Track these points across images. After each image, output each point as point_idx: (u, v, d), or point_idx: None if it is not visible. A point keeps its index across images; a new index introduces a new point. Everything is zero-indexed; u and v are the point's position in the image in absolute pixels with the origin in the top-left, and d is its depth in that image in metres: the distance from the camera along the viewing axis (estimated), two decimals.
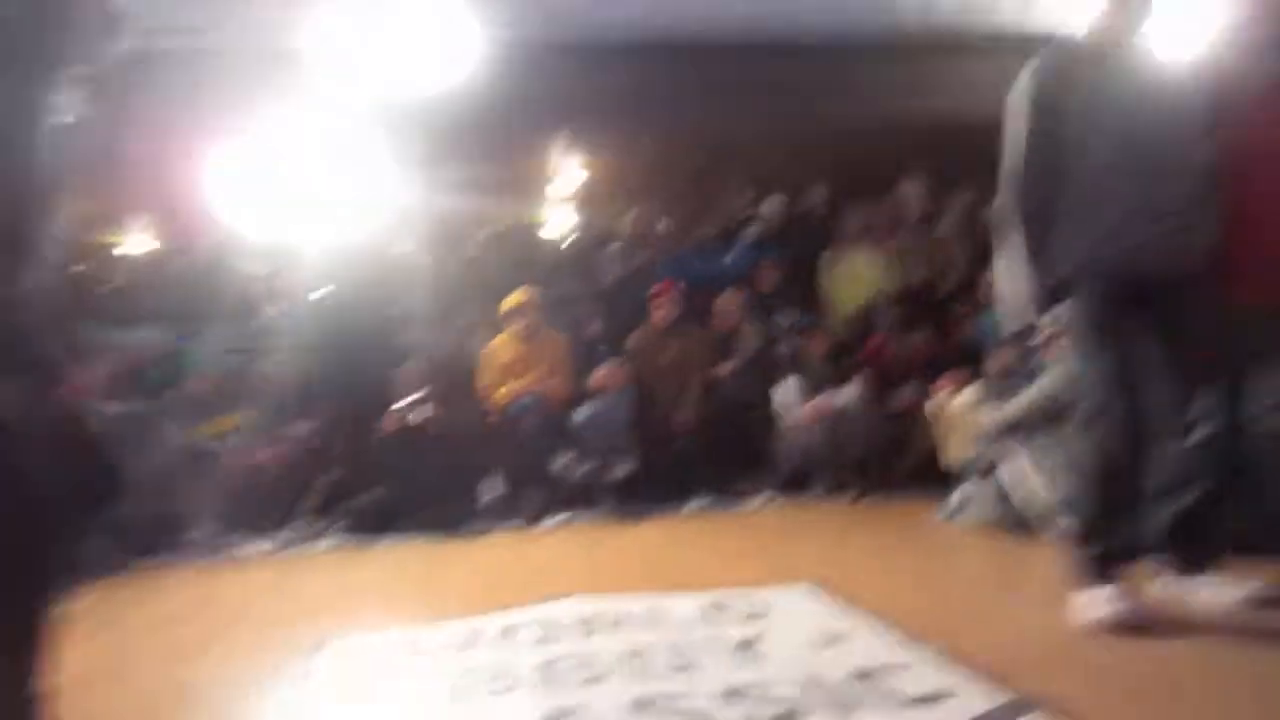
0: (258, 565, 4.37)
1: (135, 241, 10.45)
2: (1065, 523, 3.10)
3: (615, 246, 6.63)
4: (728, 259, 6.54)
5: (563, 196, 10.33)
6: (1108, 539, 2.46)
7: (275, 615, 3.18)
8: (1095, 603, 2.39)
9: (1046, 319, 3.59)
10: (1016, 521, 3.74)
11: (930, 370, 5.08)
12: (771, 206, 6.65)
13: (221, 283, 6.35)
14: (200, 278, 6.48)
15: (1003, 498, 3.84)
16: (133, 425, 4.95)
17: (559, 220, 9.28)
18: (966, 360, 5.08)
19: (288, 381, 5.61)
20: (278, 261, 6.53)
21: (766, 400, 5.52)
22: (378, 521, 4.78)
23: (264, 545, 4.67)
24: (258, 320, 6.30)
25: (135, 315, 6.06)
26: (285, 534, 4.88)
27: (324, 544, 4.68)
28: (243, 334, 6.10)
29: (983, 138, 3.38)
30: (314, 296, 6.04)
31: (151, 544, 4.56)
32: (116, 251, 10.03)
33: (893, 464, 5.30)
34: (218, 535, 4.65)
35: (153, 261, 7.71)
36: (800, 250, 6.35)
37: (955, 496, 4.28)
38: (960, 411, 4.31)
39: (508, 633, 2.58)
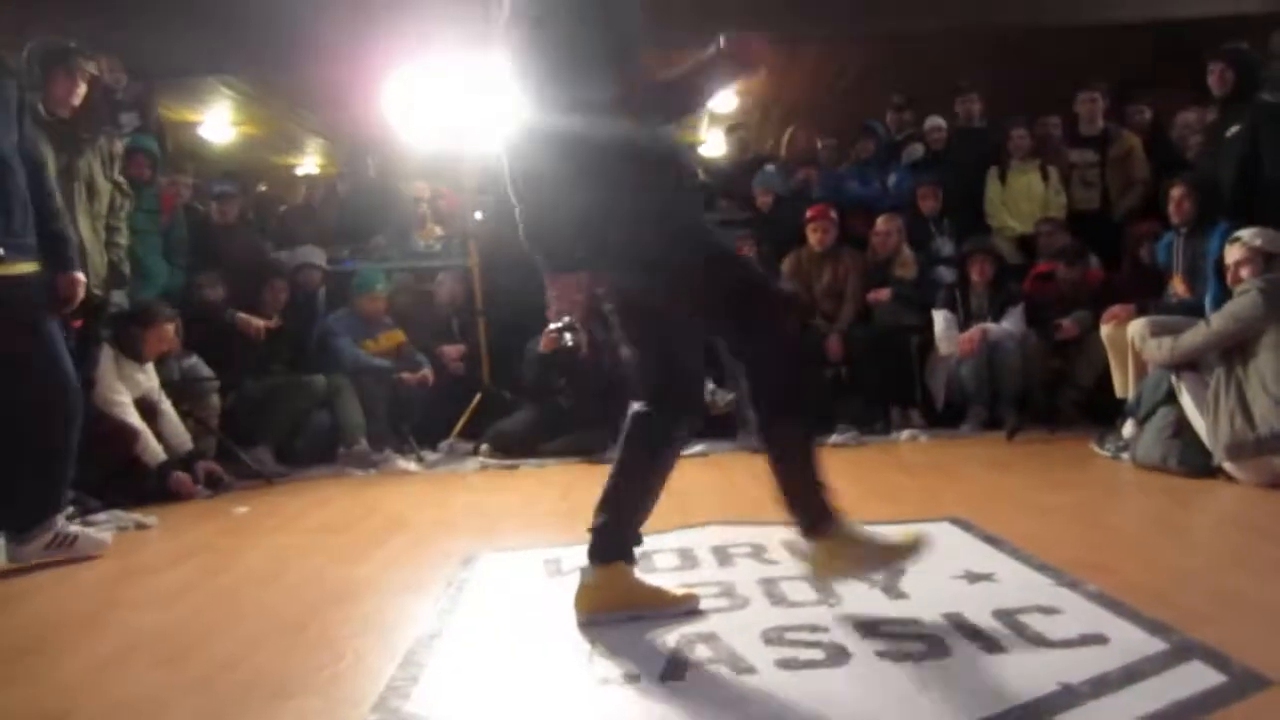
0: (412, 480, 4.64)
1: (311, 164, 11.06)
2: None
3: (772, 167, 6.46)
4: (888, 181, 6.27)
5: (718, 115, 10.13)
6: None
7: (429, 529, 3.38)
8: None
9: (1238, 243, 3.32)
10: (1186, 460, 3.49)
11: (1102, 298, 4.75)
12: (929, 125, 6.28)
13: (390, 204, 6.61)
14: (370, 199, 6.77)
15: (1173, 434, 3.59)
16: (308, 341, 5.32)
17: (715, 140, 9.10)
18: (1143, 287, 4.72)
19: (449, 301, 5.84)
20: (443, 183, 6.75)
21: (923, 329, 5.33)
22: (522, 444, 4.95)
23: (420, 460, 4.94)
24: (421, 240, 6.56)
25: (310, 234, 6.42)
26: (439, 451, 5.14)
27: (474, 463, 4.90)
28: (409, 254, 6.37)
29: (1169, 44, 3.07)
30: (475, 217, 6.22)
31: (319, 452, 4.93)
32: (295, 173, 10.66)
33: (1054, 398, 5.04)
34: (379, 448, 4.95)
35: (327, 183, 8.13)
36: (963, 170, 6.00)
37: (1122, 432, 4.04)
38: (1132, 342, 4.02)
39: (644, 559, 2.62)
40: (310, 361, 5.15)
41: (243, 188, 6.85)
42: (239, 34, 6.42)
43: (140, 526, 3.62)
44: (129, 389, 4.14)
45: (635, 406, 2.18)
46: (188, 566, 2.99)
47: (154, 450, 4.14)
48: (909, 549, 2.05)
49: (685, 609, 2.13)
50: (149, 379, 4.31)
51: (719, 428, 5.08)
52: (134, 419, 4.10)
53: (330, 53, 6.41)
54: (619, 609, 2.09)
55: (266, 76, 7.95)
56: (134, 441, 4.05)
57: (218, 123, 9.23)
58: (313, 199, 7.59)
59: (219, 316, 5.05)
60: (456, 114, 5.81)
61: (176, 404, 4.44)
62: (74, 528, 3.11)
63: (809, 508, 2.03)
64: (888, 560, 2.07)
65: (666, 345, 2.16)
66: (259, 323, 5.10)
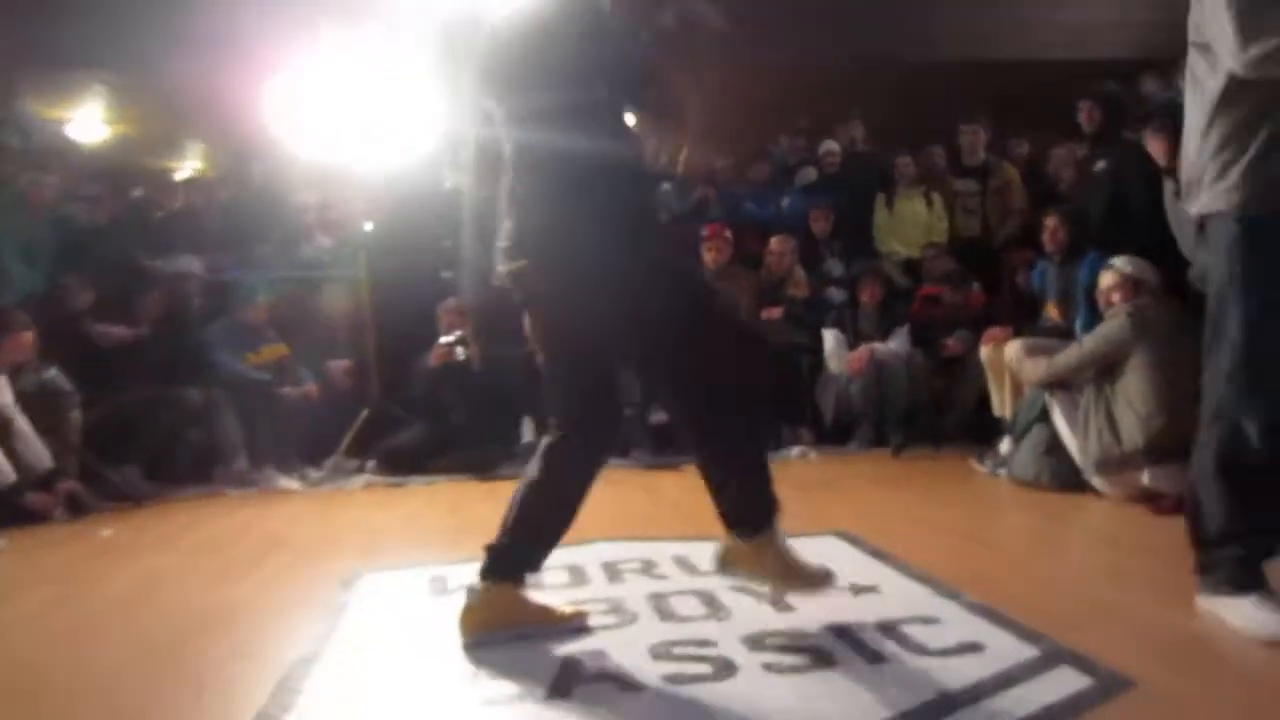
0: (295, 498, 4.46)
1: (191, 168, 10.58)
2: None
3: (668, 185, 6.51)
4: (782, 202, 6.40)
5: None
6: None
7: (311, 547, 3.25)
8: (1247, 617, 1.93)
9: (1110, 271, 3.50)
10: (1058, 476, 3.65)
11: (982, 321, 4.95)
12: (827, 148, 6.46)
13: (274, 212, 6.38)
14: (253, 206, 6.52)
15: (1046, 451, 3.75)
16: (183, 352, 5.05)
17: None
18: (1020, 311, 4.94)
19: (335, 313, 5.66)
20: (330, 192, 6.55)
21: (813, 348, 5.45)
22: (411, 461, 4.82)
23: (302, 479, 4.75)
24: (309, 250, 6.35)
25: (188, 241, 6.13)
26: (323, 468, 4.96)
27: (360, 480, 4.75)
28: (293, 263, 6.15)
29: (1046, 84, 3.24)
30: (365, 228, 6.06)
31: (193, 471, 4.68)
32: (174, 177, 10.17)
33: (938, 417, 5.21)
34: (259, 466, 4.74)
35: (207, 188, 7.77)
36: (854, 195, 6.19)
37: (1000, 450, 4.21)
38: (1010, 363, 4.20)
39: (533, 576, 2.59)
40: (184, 375, 4.88)
41: (115, 190, 6.49)
42: (112, 25, 6.09)
43: None
44: None
45: (553, 432, 2.13)
46: (41, 594, 2.78)
47: (4, 471, 3.85)
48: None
49: (573, 626, 2.10)
50: (1, 393, 4.02)
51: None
52: None
53: (213, 50, 6.17)
54: (504, 628, 2.04)
55: (142, 72, 7.55)
56: None
57: (88, 121, 8.75)
58: (193, 204, 7.25)
59: (84, 325, 4.74)
60: (347, 120, 5.67)
61: (34, 419, 4.13)
62: None
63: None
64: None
65: (605, 378, 2.13)
66: (118, 331, 4.80)
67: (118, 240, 5.71)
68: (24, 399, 4.14)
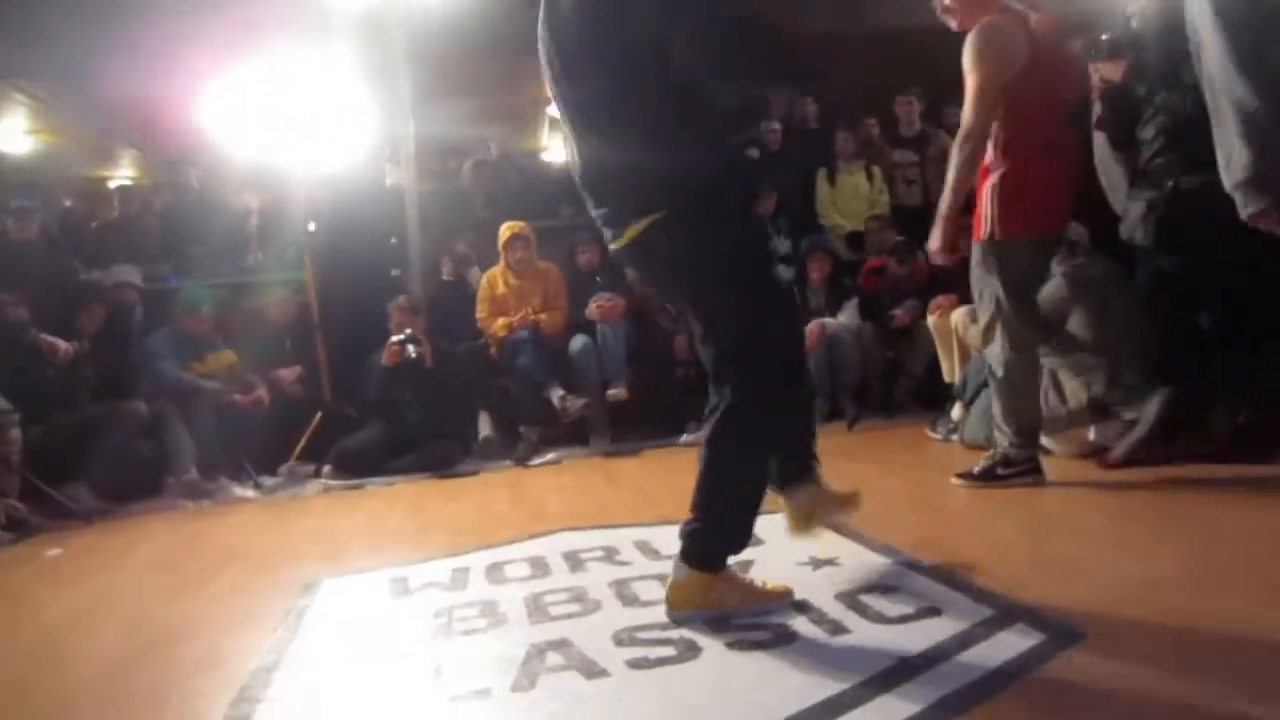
0: (250, 507, 4.39)
1: (124, 176, 10.32)
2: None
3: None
4: None
5: (557, 120, 10.07)
6: None
7: (267, 557, 3.20)
8: None
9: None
10: None
11: (929, 290, 5.01)
12: (768, 126, 6.48)
13: (213, 217, 6.26)
14: (191, 212, 6.38)
15: None
16: (127, 365, 4.93)
17: (556, 146, 9.06)
18: (964, 278, 5.01)
19: (282, 317, 5.56)
20: (271, 195, 6.44)
21: None
22: (368, 463, 4.77)
23: (257, 487, 4.68)
24: (251, 255, 6.23)
25: (125, 251, 5.99)
26: (278, 475, 4.89)
27: (316, 485, 4.68)
28: (235, 268, 6.04)
29: None
30: (308, 229, 5.96)
31: (143, 485, 4.57)
32: (108, 186, 9.93)
33: (890, 387, 5.28)
34: (211, 476, 4.65)
35: (142, 196, 7.59)
36: (796, 172, 6.23)
37: (951, 415, 4.27)
38: (956, 330, 4.27)
39: (495, 569, 2.59)
40: (129, 387, 4.75)
41: (44, 202, 6.30)
42: (32, 35, 5.91)
43: None
44: None
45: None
46: None
47: None
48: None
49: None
50: None
51: (571, 435, 5.06)
52: None
53: (141, 56, 6.01)
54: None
55: (67, 81, 7.35)
56: None
57: (11, 131, 8.50)
58: (128, 213, 7.08)
59: (20, 339, 4.59)
60: (284, 121, 5.57)
61: None
62: None
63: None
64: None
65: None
66: (63, 344, 4.66)
67: (50, 253, 5.56)
68: None
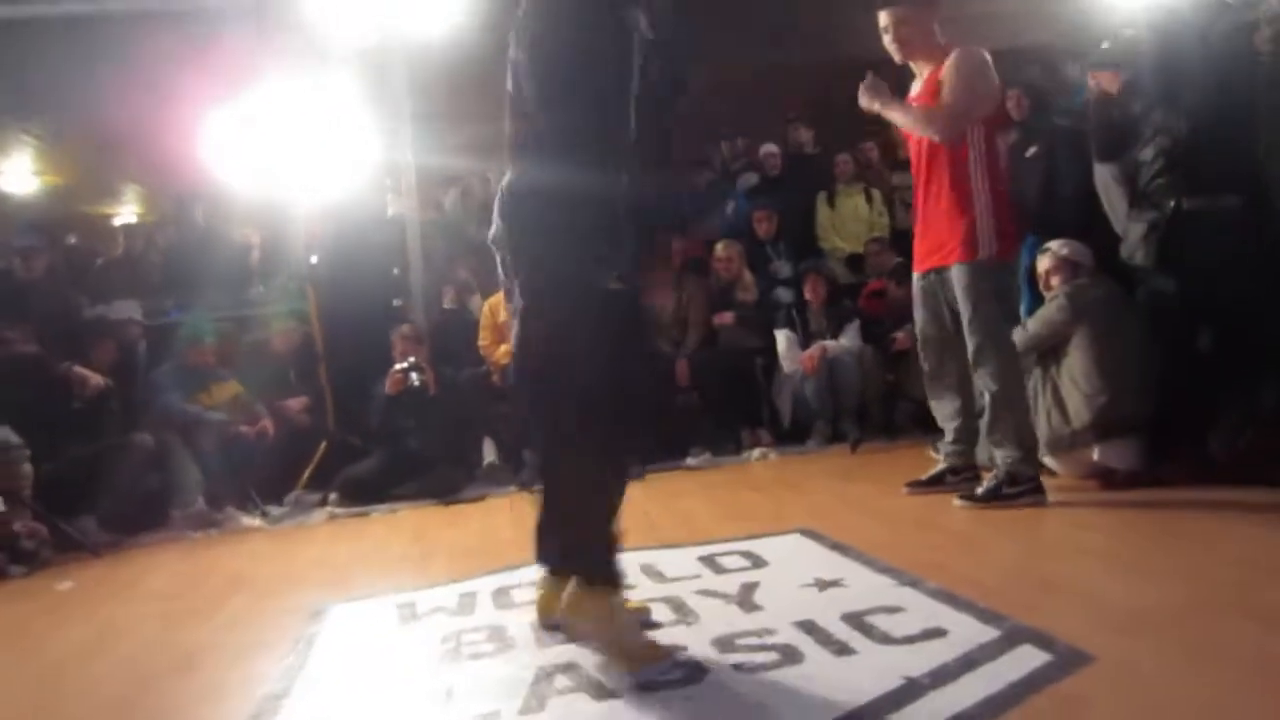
0: (257, 536, 4.40)
1: (129, 213, 10.41)
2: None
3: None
4: (726, 208, 6.47)
5: None
6: None
7: (274, 585, 3.21)
8: None
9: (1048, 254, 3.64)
10: None
11: None
12: (765, 152, 6.55)
13: (216, 252, 6.31)
14: (194, 248, 6.43)
15: None
16: (133, 399, 4.96)
17: None
18: None
19: (285, 348, 5.60)
20: (272, 228, 6.50)
21: (767, 350, 5.51)
22: (373, 490, 4.79)
23: (264, 516, 4.69)
24: (254, 288, 6.28)
25: (129, 287, 6.04)
26: (285, 504, 4.90)
27: (322, 513, 4.70)
28: (239, 301, 6.08)
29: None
30: (310, 261, 6.01)
31: (150, 517, 4.59)
32: (113, 223, 10.00)
33: (891, 410, 5.30)
34: (218, 507, 4.67)
35: (146, 232, 7.67)
36: (796, 195, 6.29)
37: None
38: None
39: (501, 594, 2.60)
40: (135, 420, 4.78)
41: (50, 240, 6.36)
42: (36, 77, 5.99)
43: None
44: None
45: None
46: (1, 651, 2.72)
47: None
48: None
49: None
50: None
51: None
52: None
53: (142, 92, 6.08)
54: None
55: (71, 121, 7.44)
56: None
57: (17, 172, 8.58)
58: (132, 249, 7.15)
59: (52, 372, 4.64)
60: (285, 154, 5.64)
61: None
62: None
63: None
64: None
65: None
66: (97, 378, 4.72)
67: (56, 291, 5.61)
68: None
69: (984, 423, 3.26)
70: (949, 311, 3.31)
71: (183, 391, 4.89)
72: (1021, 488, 3.13)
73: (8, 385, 4.47)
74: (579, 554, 2.00)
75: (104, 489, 4.44)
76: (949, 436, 3.48)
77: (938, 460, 4.31)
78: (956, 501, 3.20)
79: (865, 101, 3.31)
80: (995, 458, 3.23)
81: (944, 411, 3.49)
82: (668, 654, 1.92)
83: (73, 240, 7.46)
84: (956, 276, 3.20)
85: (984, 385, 3.20)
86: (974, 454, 3.48)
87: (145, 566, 3.88)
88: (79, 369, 4.69)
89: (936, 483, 3.47)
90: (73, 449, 4.49)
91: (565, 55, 1.95)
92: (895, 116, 3.32)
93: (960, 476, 3.42)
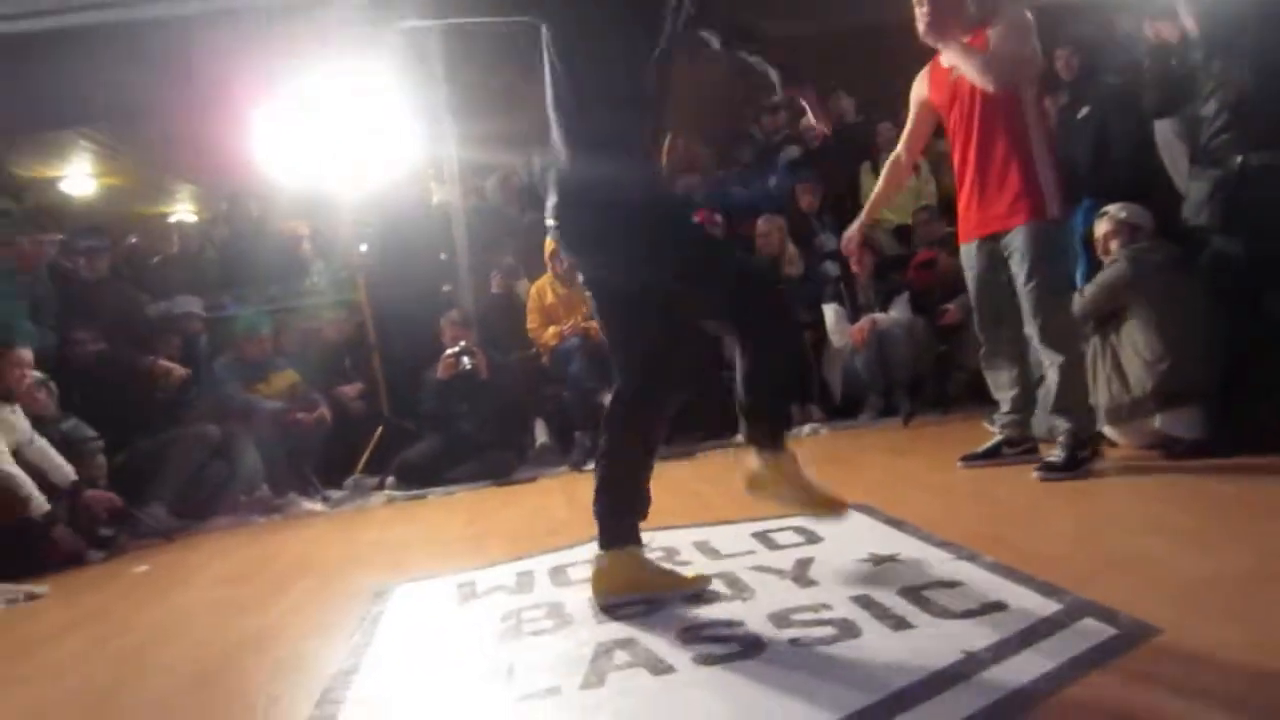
0: (319, 520, 4.51)
1: (184, 211, 10.66)
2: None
3: None
4: (769, 182, 6.43)
5: None
6: None
7: (338, 567, 3.29)
8: None
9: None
10: None
11: None
12: (806, 124, 6.46)
13: (269, 246, 6.44)
14: (248, 242, 6.57)
15: None
16: (197, 390, 5.12)
17: None
18: None
19: (339, 337, 5.72)
20: (321, 219, 6.61)
21: (815, 324, 5.47)
22: (428, 474, 4.88)
23: (324, 501, 4.81)
24: (306, 279, 6.40)
25: (186, 283, 6.20)
26: (344, 489, 5.02)
27: (380, 497, 4.80)
28: (292, 292, 6.21)
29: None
30: (360, 251, 6.11)
31: (216, 503, 4.74)
32: (168, 221, 10.25)
33: (944, 381, 5.23)
34: (281, 493, 4.80)
35: (201, 230, 7.85)
36: (840, 166, 6.20)
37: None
38: None
39: (558, 572, 2.64)
40: (201, 412, 4.94)
41: (111, 240, 6.55)
42: (94, 84, 6.16)
43: (31, 597, 3.43)
44: (3, 434, 3.91)
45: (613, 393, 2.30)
46: (85, 632, 2.84)
47: (38, 500, 3.92)
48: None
49: (696, 590, 2.21)
50: (19, 417, 4.08)
51: None
52: (12, 467, 3.88)
53: (193, 96, 6.22)
54: (630, 592, 2.18)
55: (128, 125, 7.64)
56: (21, 497, 3.82)
57: (79, 176, 8.83)
58: (187, 247, 7.33)
59: (117, 369, 4.81)
60: (332, 147, 5.71)
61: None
62: None
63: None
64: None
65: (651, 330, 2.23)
66: (179, 369, 4.95)
67: (118, 289, 5.78)
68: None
69: (1046, 392, 3.18)
70: (1007, 278, 3.22)
71: (242, 382, 5.04)
72: (1088, 452, 3.07)
73: (86, 382, 4.65)
74: None
75: (173, 477, 4.60)
76: (1005, 407, 3.42)
77: (993, 433, 4.25)
78: (1035, 474, 3.09)
79: (930, 35, 3.19)
80: (1056, 427, 3.15)
81: (1000, 381, 3.43)
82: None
83: (133, 240, 7.66)
84: (1020, 239, 3.10)
85: (1048, 353, 3.12)
86: (1030, 425, 3.42)
87: (214, 551, 4.01)
88: (163, 361, 4.92)
89: (992, 455, 3.42)
90: (143, 440, 4.66)
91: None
92: (955, 54, 3.17)
93: (1017, 449, 3.37)
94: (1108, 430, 3.47)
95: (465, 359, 5.02)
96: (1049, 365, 3.15)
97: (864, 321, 5.22)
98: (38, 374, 4.37)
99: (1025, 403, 3.38)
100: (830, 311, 5.38)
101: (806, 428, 5.09)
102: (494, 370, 5.13)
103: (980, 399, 4.85)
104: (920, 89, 3.43)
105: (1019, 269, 3.13)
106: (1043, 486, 3.02)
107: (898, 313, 5.28)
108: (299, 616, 2.63)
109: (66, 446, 4.30)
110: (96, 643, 2.68)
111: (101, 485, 4.36)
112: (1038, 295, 3.09)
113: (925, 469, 3.69)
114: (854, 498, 3.06)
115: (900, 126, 6.14)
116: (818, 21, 7.25)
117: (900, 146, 3.52)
